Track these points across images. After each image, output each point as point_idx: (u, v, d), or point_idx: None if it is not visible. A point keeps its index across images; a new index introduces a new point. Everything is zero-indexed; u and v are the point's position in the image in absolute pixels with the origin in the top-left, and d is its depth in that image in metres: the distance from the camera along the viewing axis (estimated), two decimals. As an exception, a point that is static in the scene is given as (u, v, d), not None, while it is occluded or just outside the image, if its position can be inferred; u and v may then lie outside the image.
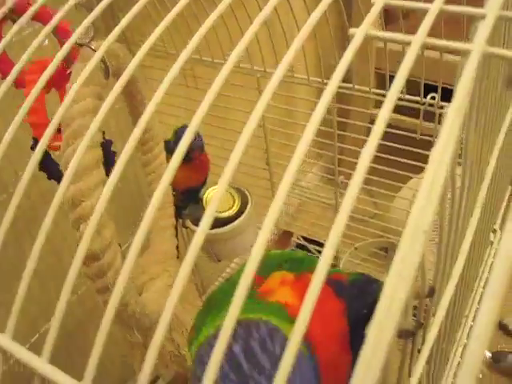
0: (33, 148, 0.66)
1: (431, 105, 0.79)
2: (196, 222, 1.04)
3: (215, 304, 0.53)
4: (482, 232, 0.52)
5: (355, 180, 0.22)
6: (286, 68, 0.28)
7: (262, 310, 0.45)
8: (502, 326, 1.49)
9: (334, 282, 0.49)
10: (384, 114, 0.23)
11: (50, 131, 0.33)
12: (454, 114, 0.22)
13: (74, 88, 0.44)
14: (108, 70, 0.51)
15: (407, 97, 0.80)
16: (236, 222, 1.01)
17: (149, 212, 0.27)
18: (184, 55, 0.31)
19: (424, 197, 0.21)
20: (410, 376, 0.33)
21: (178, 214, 0.99)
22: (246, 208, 1.03)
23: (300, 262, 0.55)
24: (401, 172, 0.97)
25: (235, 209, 1.02)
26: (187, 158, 0.79)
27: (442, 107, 0.78)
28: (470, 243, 0.36)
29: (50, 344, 0.26)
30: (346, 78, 0.87)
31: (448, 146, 0.20)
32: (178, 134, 0.92)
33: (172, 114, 0.93)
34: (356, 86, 0.85)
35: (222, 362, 0.22)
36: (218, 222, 1.02)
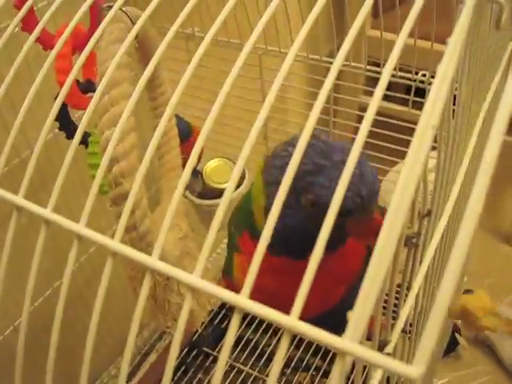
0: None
1: (422, 81, 0.85)
2: (194, 193, 1.10)
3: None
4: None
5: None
6: (292, 58, 0.33)
7: None
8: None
9: None
10: (384, 78, 0.28)
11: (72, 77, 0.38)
12: (452, 45, 0.27)
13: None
14: (137, 35, 0.56)
15: (400, 74, 0.86)
16: (234, 194, 1.06)
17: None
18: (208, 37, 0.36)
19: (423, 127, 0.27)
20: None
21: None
22: (242, 181, 1.09)
23: None
24: (389, 157, 1.04)
25: (233, 181, 1.07)
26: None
27: (431, 84, 0.84)
28: (461, 183, 0.42)
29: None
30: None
31: (451, 63, 0.25)
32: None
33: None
34: (352, 64, 0.90)
35: None
36: (215, 193, 1.08)
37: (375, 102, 0.27)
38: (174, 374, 1.32)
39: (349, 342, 0.22)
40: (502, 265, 1.67)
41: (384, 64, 0.89)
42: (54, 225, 0.34)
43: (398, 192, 0.25)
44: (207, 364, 1.36)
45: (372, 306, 0.23)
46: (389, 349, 0.35)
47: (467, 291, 1.54)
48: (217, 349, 1.38)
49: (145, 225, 0.53)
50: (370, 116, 0.27)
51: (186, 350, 1.37)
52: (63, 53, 0.59)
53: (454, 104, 0.42)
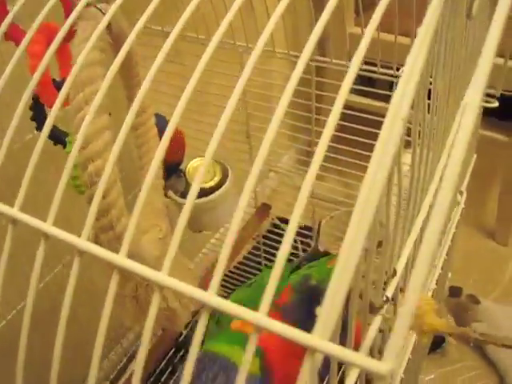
0: (31, 108, 0.70)
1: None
2: (177, 193, 1.09)
3: None
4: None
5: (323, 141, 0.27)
6: (265, 41, 0.32)
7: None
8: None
9: (279, 308, 0.60)
10: (351, 72, 0.28)
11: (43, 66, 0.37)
12: (424, 29, 0.27)
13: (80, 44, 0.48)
14: (111, 30, 0.55)
15: (381, 70, 0.86)
16: (217, 193, 1.06)
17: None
18: (176, 31, 0.35)
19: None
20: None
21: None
22: (226, 180, 1.08)
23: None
24: (372, 154, 1.04)
25: (216, 180, 1.07)
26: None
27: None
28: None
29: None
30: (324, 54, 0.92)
31: (421, 52, 0.25)
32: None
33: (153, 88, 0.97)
34: (334, 60, 0.90)
35: None
36: (200, 193, 1.07)
37: (341, 96, 0.27)
38: (162, 374, 1.32)
39: (318, 339, 0.22)
40: (487, 261, 1.68)
41: (366, 60, 0.89)
42: (21, 224, 0.33)
43: (366, 186, 0.25)
44: (194, 365, 1.35)
45: (341, 302, 0.22)
46: (365, 346, 0.35)
47: (453, 288, 1.54)
48: (203, 349, 1.37)
49: (121, 224, 0.52)
50: (336, 110, 0.26)
51: (172, 350, 1.36)
52: (37, 39, 0.58)
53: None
